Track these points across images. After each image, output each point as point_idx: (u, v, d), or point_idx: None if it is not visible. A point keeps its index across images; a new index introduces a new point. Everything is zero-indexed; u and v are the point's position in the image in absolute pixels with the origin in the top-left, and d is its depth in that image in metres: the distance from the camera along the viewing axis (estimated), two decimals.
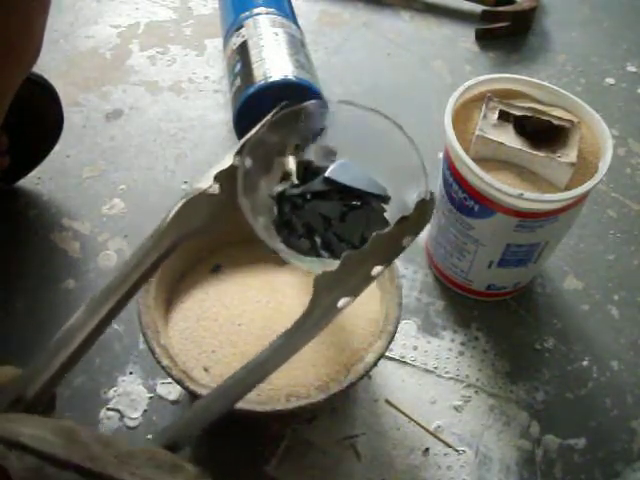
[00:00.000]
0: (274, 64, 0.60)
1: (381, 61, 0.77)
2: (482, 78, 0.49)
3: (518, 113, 0.47)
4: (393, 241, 0.33)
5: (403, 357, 0.50)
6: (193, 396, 0.40)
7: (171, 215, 0.36)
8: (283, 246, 0.37)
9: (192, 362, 0.41)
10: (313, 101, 0.40)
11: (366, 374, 0.40)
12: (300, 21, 0.70)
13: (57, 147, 0.59)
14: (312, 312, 0.33)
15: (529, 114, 0.46)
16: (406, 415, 0.47)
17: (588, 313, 0.55)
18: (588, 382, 0.50)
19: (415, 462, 0.45)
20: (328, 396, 0.39)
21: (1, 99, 0.40)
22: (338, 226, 0.38)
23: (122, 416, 0.46)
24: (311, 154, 0.41)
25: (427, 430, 0.47)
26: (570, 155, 0.44)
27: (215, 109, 0.69)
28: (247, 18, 0.66)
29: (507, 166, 0.46)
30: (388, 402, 0.48)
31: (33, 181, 0.60)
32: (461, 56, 0.77)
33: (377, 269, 0.33)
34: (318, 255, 0.38)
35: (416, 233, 0.34)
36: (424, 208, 0.33)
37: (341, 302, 0.33)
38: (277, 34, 0.64)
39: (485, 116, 0.47)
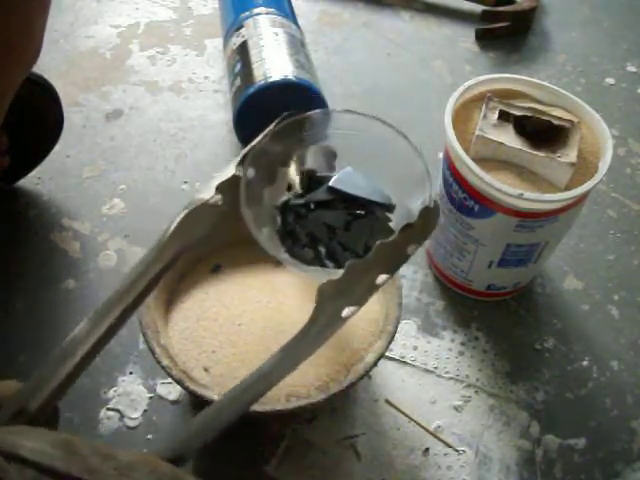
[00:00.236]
0: (274, 64, 0.60)
1: (381, 61, 0.77)
2: (482, 78, 0.49)
3: (518, 113, 0.47)
4: (397, 249, 0.33)
5: (403, 357, 0.50)
6: (193, 396, 0.40)
7: (173, 226, 0.36)
8: (287, 256, 0.37)
9: (192, 362, 0.41)
10: (316, 110, 0.39)
11: (366, 374, 0.40)
12: (300, 21, 0.70)
13: (57, 147, 0.59)
14: (316, 321, 0.33)
15: (529, 114, 0.46)
16: (406, 415, 0.47)
17: (588, 313, 0.55)
18: (588, 382, 0.50)
19: (415, 462, 0.45)
20: (328, 396, 0.39)
21: (1, 99, 0.40)
22: (342, 235, 0.38)
23: (122, 416, 0.46)
24: (310, 156, 0.41)
25: (427, 430, 0.47)
26: (570, 155, 0.44)
27: (215, 109, 0.69)
28: (247, 18, 0.66)
29: (507, 166, 0.46)
30: (388, 402, 0.48)
31: (33, 181, 0.60)
32: (461, 56, 0.77)
33: (382, 278, 0.33)
34: (322, 265, 0.38)
35: (421, 241, 0.34)
36: (428, 216, 0.33)
37: (345, 311, 0.33)
38: (277, 34, 0.64)
39: (485, 116, 0.47)
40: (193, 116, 0.68)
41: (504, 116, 0.47)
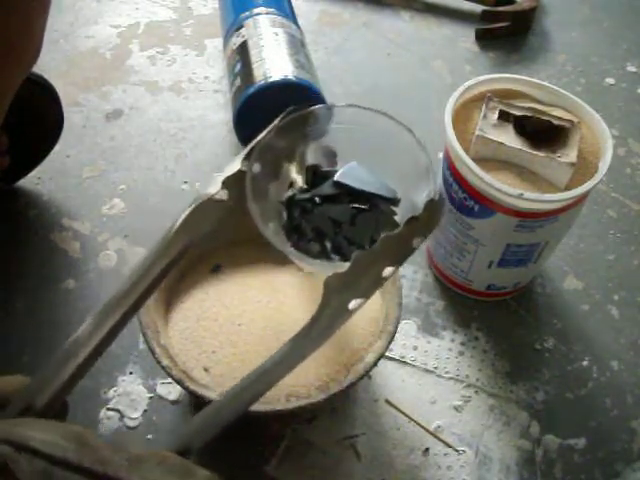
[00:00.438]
0: (274, 64, 0.60)
1: (381, 61, 0.76)
2: (482, 78, 0.49)
3: (518, 113, 0.47)
4: (403, 242, 0.33)
5: (403, 357, 0.50)
6: (193, 396, 0.40)
7: (179, 222, 0.36)
8: (294, 250, 0.37)
9: (192, 362, 0.41)
10: (320, 105, 0.39)
11: (366, 374, 0.40)
12: (300, 21, 0.70)
13: (57, 147, 0.59)
14: (322, 313, 0.33)
15: (529, 114, 0.46)
16: (406, 415, 0.47)
17: (588, 313, 0.55)
18: (588, 382, 0.50)
19: (415, 462, 0.45)
20: (328, 396, 0.39)
21: (1, 99, 0.40)
22: (348, 230, 0.38)
23: (122, 416, 0.46)
24: (311, 155, 0.41)
25: (427, 430, 0.47)
26: (570, 155, 0.44)
27: (215, 109, 0.69)
28: (247, 18, 0.66)
29: (507, 166, 0.46)
30: (388, 402, 0.48)
31: (33, 181, 0.60)
32: (461, 56, 0.77)
33: (388, 270, 0.33)
34: (328, 259, 0.38)
35: (426, 234, 0.34)
36: (433, 208, 0.33)
37: (352, 304, 0.33)
38: (277, 34, 0.64)
39: (485, 116, 0.47)
40: (193, 116, 0.68)
41: (504, 116, 0.47)
